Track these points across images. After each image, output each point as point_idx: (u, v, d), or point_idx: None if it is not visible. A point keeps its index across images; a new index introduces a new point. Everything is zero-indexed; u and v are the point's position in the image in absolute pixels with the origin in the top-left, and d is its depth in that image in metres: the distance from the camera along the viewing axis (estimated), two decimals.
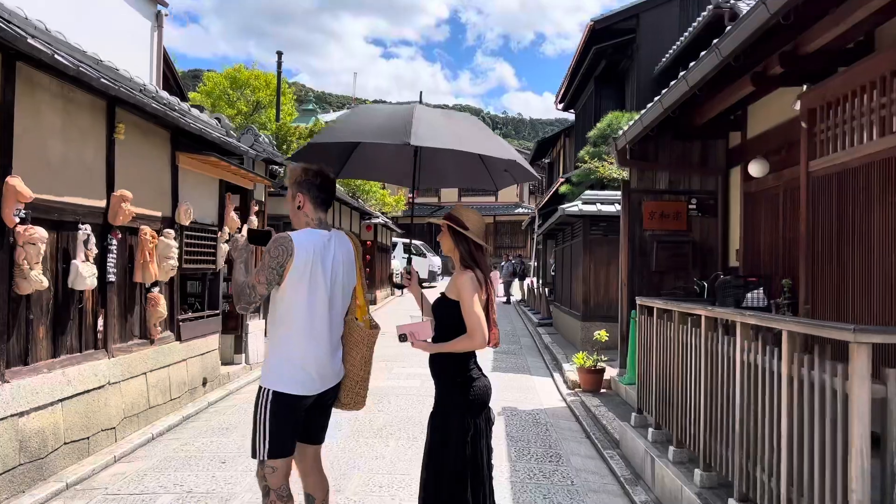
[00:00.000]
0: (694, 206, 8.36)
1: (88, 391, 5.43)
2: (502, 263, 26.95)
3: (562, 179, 17.55)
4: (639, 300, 5.92)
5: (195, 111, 7.62)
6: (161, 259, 6.60)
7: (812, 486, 2.85)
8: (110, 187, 5.84)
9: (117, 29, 8.32)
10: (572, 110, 22.53)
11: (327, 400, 3.13)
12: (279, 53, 15.70)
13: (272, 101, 19.04)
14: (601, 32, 16.45)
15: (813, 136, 5.41)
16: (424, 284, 29.87)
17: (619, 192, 9.73)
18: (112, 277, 5.86)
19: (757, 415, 3.43)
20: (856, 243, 5.00)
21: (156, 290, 6.66)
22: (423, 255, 30.04)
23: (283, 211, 12.43)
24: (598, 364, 8.41)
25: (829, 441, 2.72)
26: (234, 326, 9.18)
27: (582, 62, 18.14)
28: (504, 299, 24.57)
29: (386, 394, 8.01)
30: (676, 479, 4.32)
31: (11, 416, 4.48)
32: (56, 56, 4.49)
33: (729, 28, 4.92)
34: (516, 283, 26.24)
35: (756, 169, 6.99)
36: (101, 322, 5.73)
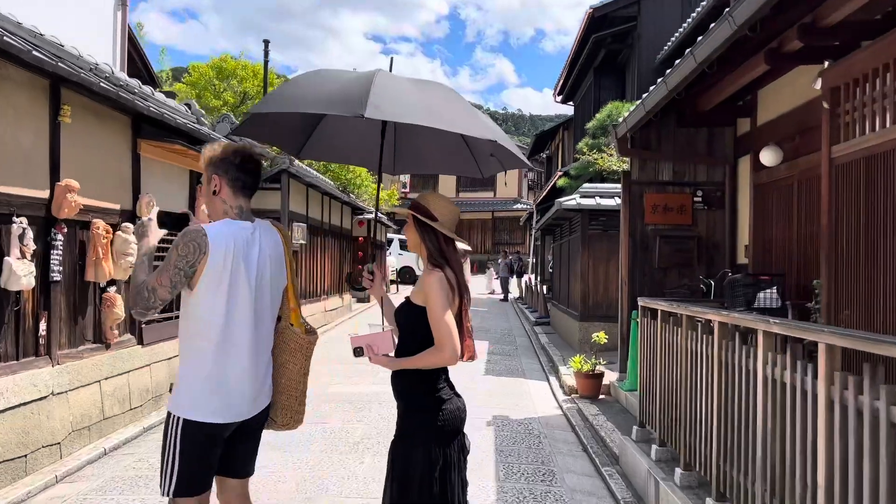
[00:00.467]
0: (699, 199, 7.80)
1: (26, 403, 4.86)
2: (499, 260, 26.39)
3: (560, 173, 16.98)
4: (641, 301, 5.35)
5: (160, 96, 7.04)
6: (118, 256, 6.03)
7: None
8: (55, 176, 5.27)
9: (79, 10, 7.73)
10: (571, 103, 21.93)
11: (255, 424, 2.56)
12: (266, 42, 15.08)
13: (260, 93, 18.45)
14: (600, 20, 15.85)
15: (836, 118, 4.84)
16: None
17: (618, 185, 9.17)
18: (57, 276, 5.28)
19: (785, 441, 2.86)
20: (889, 237, 4.41)
21: (112, 289, 6.09)
22: None
23: (267, 205, 11.85)
24: (597, 368, 7.84)
25: (885, 486, 2.15)
26: None
27: (581, 52, 17.54)
28: (501, 297, 24.02)
29: (369, 401, 7.45)
30: None
31: None
32: None
33: None
34: (514, 280, 25.68)
35: (768, 157, 6.41)
36: (43, 326, 5.16)
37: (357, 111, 2.38)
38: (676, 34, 13.21)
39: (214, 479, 2.52)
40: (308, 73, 2.75)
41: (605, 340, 8.23)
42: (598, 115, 13.99)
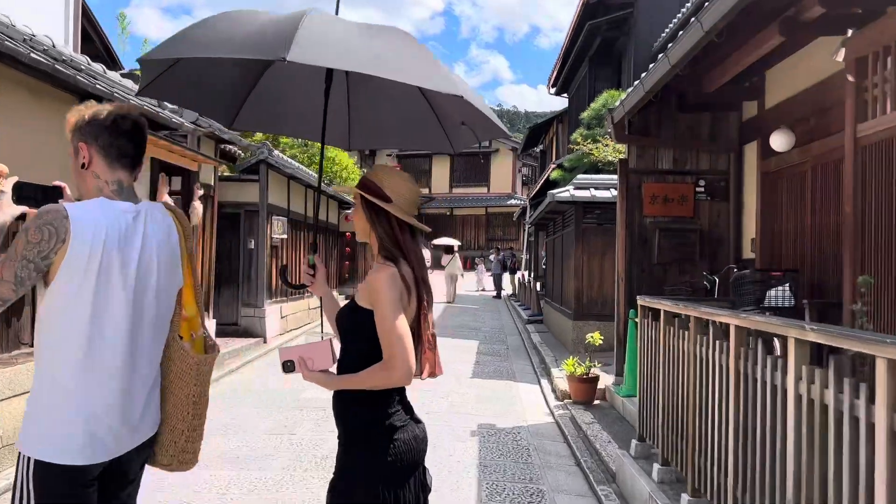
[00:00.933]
0: (702, 189, 7.24)
1: None
2: (491, 257, 25.82)
3: (553, 165, 16.40)
4: (641, 300, 4.78)
5: (114, 75, 6.42)
6: None
7: None
8: None
9: None
10: (565, 95, 21.35)
11: (132, 464, 1.96)
12: None
13: None
14: (595, 6, 15.26)
15: (862, 93, 4.28)
16: None
17: (615, 176, 8.61)
18: None
19: (827, 478, 2.29)
20: None
21: None
22: None
23: (245, 198, 11.24)
24: (591, 371, 7.27)
25: None
26: None
27: (575, 41, 16.95)
28: (494, 294, 23.47)
29: None
30: None
31: None
32: None
33: None
34: (507, 276, 25.13)
35: (779, 142, 5.85)
36: None
37: (278, 54, 1.81)
38: (675, 20, 12.62)
39: None
40: (222, 13, 2.15)
41: (601, 342, 7.66)
42: (592, 105, 13.42)
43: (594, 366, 7.32)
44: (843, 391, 2.18)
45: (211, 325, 8.56)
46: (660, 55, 5.52)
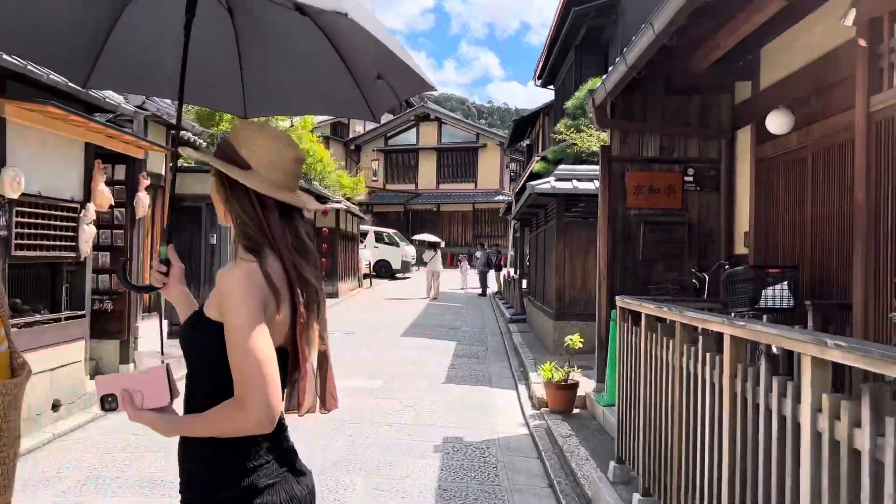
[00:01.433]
0: (690, 178, 6.64)
1: None
2: (477, 253, 25.18)
3: (537, 158, 15.79)
4: (620, 301, 4.16)
5: None
6: None
7: None
8: None
9: None
10: (551, 87, 20.73)
11: None
12: None
13: None
14: None
15: (876, 60, 3.67)
16: (398, 276, 28.24)
17: (597, 167, 8.01)
18: None
19: None
20: None
21: None
22: (395, 244, 28.25)
23: (197, 190, 10.51)
24: (570, 377, 6.67)
25: None
26: (117, 330, 7.35)
27: (561, 28, 16.33)
28: (479, 291, 22.83)
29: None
30: None
31: None
32: None
33: None
34: (492, 273, 24.47)
35: (776, 123, 5.26)
36: None
37: None
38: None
39: None
40: None
41: (581, 344, 7.04)
42: (577, 94, 12.82)
43: (573, 370, 6.71)
44: (884, 433, 1.57)
45: (165, 327, 7.89)
46: (643, 25, 4.92)
